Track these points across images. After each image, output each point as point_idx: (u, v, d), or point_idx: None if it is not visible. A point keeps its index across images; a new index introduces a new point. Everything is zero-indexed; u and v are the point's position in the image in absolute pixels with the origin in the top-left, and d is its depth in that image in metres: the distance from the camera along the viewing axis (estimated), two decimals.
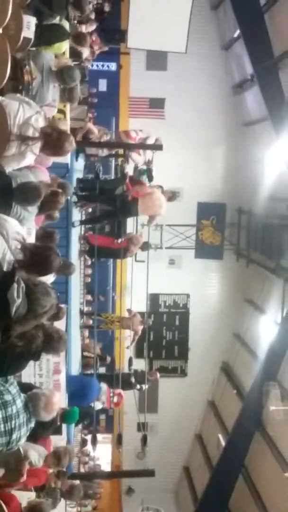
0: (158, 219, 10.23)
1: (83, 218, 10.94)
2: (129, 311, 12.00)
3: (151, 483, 14.99)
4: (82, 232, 11.08)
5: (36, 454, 5.15)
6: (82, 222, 10.35)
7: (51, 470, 5.77)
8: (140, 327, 11.60)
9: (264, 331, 14.98)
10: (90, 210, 11.53)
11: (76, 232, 10.06)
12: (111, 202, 9.95)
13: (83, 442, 12.56)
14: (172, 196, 9.85)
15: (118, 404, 10.81)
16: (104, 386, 9.97)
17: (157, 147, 9.90)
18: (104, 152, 10.63)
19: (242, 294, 17.16)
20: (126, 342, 13.21)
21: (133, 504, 16.29)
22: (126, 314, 12.11)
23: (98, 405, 11.39)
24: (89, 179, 11.07)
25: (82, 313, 11.59)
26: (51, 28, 5.67)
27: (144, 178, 10.50)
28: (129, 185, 10.11)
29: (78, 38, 7.78)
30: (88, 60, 10.17)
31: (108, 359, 13.21)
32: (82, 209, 10.53)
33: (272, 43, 13.01)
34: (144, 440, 11.77)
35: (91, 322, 12.14)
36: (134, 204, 9.36)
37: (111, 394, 10.45)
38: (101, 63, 15.58)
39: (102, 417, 15.08)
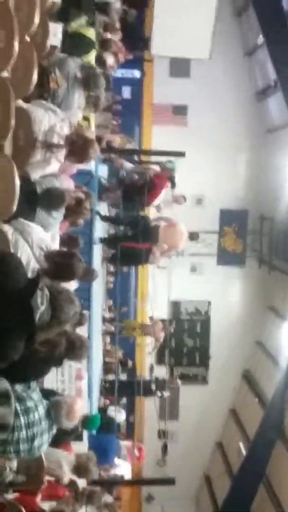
0: (173, 252, 10.33)
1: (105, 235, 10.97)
2: (151, 318, 12.00)
3: (172, 490, 14.88)
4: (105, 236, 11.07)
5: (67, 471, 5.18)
6: (102, 240, 10.37)
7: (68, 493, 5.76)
8: (162, 334, 11.60)
9: (287, 338, 14.84)
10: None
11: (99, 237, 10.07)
12: (133, 225, 10.03)
13: None
14: (193, 234, 9.93)
15: (140, 458, 10.78)
16: (124, 442, 9.97)
17: (179, 153, 9.90)
18: (127, 164, 10.61)
19: (264, 301, 17.03)
20: (147, 348, 13.18)
21: (153, 511, 16.23)
22: (148, 321, 12.11)
23: (120, 417, 11.42)
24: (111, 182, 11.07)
25: (104, 319, 11.60)
26: (78, 41, 5.71)
27: (171, 166, 10.48)
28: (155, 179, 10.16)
29: (105, 44, 7.81)
30: (112, 67, 10.21)
31: (130, 363, 13.18)
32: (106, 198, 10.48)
33: None
34: (164, 447, 11.74)
35: (112, 328, 12.16)
36: (155, 231, 9.44)
37: (131, 447, 10.46)
38: (125, 70, 15.63)
39: (123, 424, 15.05)
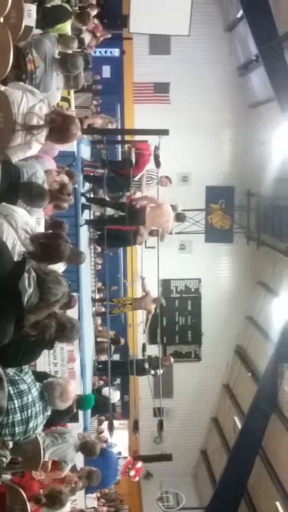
0: (167, 236, 10.28)
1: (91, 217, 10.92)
2: (142, 279, 11.86)
3: (169, 467, 15.11)
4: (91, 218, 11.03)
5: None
6: (88, 222, 10.32)
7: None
8: (153, 306, 11.56)
9: (277, 313, 14.96)
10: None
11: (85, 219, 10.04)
12: (119, 208, 9.99)
13: (100, 426, 12.66)
14: (180, 215, 9.87)
15: (135, 476, 10.80)
16: (121, 462, 10.00)
17: (163, 132, 9.83)
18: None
19: (253, 276, 17.12)
20: (140, 326, 13.19)
21: (152, 488, 16.42)
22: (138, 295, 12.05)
23: (115, 397, 11.48)
24: (97, 177, 11.03)
25: (94, 300, 11.60)
26: (53, 10, 5.63)
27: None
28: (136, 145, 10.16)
29: (82, 16, 7.69)
30: (91, 47, 10.12)
31: (122, 341, 13.20)
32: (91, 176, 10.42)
33: (276, 23, 12.84)
34: (160, 425, 11.81)
35: (103, 309, 12.16)
36: (142, 213, 9.40)
37: (129, 466, 10.48)
38: (104, 49, 15.46)
39: (118, 403, 15.15)
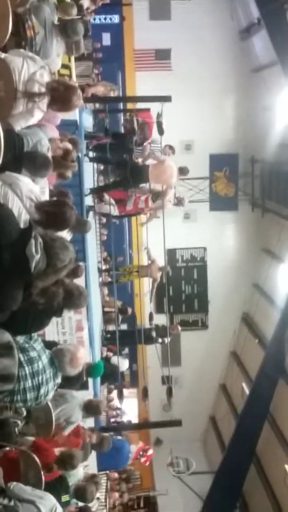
0: (171, 194, 10.17)
1: (95, 177, 10.90)
2: (146, 249, 11.85)
3: (179, 433, 15.27)
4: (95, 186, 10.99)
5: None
6: (92, 190, 10.27)
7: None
8: (159, 274, 11.56)
9: (283, 279, 14.97)
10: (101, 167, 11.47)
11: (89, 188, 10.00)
12: (122, 168, 9.90)
13: (109, 395, 12.81)
14: (183, 169, 9.77)
15: (145, 462, 11.14)
16: (133, 447, 10.26)
17: (165, 98, 9.71)
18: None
19: (259, 244, 17.10)
20: (147, 296, 13.22)
21: (162, 454, 16.68)
22: (144, 263, 12.05)
23: (123, 365, 11.57)
24: (100, 144, 10.97)
25: (100, 270, 11.61)
26: None
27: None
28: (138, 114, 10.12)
29: None
30: (90, 13, 9.93)
31: (129, 310, 13.28)
32: (92, 145, 10.38)
33: None
34: (169, 392, 11.92)
35: (109, 279, 12.19)
36: (145, 170, 9.33)
37: (141, 453, 10.76)
38: (103, 16, 15.21)
39: (127, 372, 15.30)
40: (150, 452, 11.25)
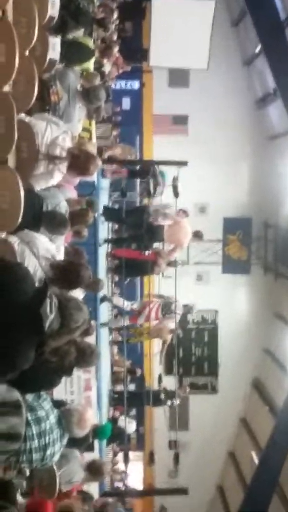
0: (179, 252, 10.33)
1: (110, 237, 11.06)
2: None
3: (184, 502, 14.80)
4: (109, 250, 11.15)
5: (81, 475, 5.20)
6: (107, 241, 10.43)
7: (75, 493, 5.75)
8: (169, 336, 11.53)
9: None
10: (116, 227, 11.64)
11: (103, 250, 10.14)
12: (138, 226, 10.08)
13: (115, 458, 12.53)
14: (198, 233, 9.95)
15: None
16: None
17: (181, 163, 9.96)
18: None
19: (271, 308, 17.00)
20: (156, 357, 13.13)
21: None
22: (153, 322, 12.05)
23: (131, 428, 11.39)
24: (114, 208, 11.24)
25: (110, 329, 11.60)
26: (77, 48, 5.78)
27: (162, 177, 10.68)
28: None
29: (105, 53, 7.91)
30: (111, 79, 10.32)
31: (139, 371, 13.14)
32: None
33: None
34: (176, 458, 11.66)
35: (120, 338, 12.14)
36: (160, 230, 9.49)
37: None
38: (124, 81, 15.76)
39: (133, 435, 14.99)
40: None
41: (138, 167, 11.46)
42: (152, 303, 11.02)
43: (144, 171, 10.79)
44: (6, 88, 3.93)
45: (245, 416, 17.32)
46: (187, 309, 10.76)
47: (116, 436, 10.47)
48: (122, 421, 10.84)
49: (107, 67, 9.20)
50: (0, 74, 3.78)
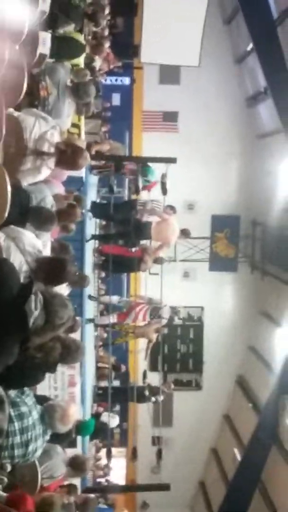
0: (165, 250, 10.35)
1: (97, 233, 11.05)
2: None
3: (167, 498, 14.86)
4: (96, 246, 11.14)
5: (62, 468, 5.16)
6: (94, 237, 10.41)
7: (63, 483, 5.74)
8: (155, 335, 11.55)
9: (280, 344, 14.88)
10: (104, 223, 11.63)
11: (90, 246, 10.13)
12: (125, 223, 10.09)
13: (98, 453, 12.54)
14: (185, 230, 9.97)
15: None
16: None
17: (170, 160, 9.95)
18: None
19: (257, 306, 17.08)
20: (141, 353, 13.16)
21: None
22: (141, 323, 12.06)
23: (113, 422, 11.39)
24: (102, 203, 11.22)
25: (96, 325, 11.60)
26: (68, 44, 5.75)
27: (149, 176, 10.68)
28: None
29: (96, 49, 7.88)
30: (102, 74, 10.28)
31: (123, 368, 13.15)
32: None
33: (285, 56, 13.05)
34: (159, 454, 11.69)
35: (105, 335, 12.13)
36: (148, 227, 9.49)
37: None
38: (115, 77, 15.72)
39: (116, 430, 15.02)
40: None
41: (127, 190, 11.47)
42: (140, 306, 11.03)
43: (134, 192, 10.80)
44: None
45: (228, 413, 17.41)
46: (174, 311, 10.80)
47: (99, 431, 10.46)
48: (105, 416, 10.85)
49: (98, 62, 9.16)
50: None
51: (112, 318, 11.02)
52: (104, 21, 8.24)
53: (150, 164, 10.69)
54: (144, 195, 11.45)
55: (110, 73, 13.22)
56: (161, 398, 11.74)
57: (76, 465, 5.50)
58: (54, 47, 5.00)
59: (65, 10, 5.74)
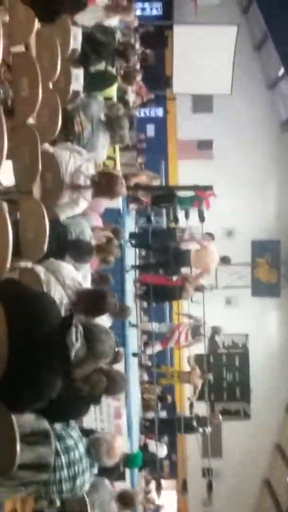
0: (206, 277, 10.33)
1: (137, 263, 11.10)
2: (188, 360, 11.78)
3: None
4: (136, 276, 11.16)
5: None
6: (134, 267, 10.45)
7: None
8: (200, 381, 11.47)
9: None
10: (144, 254, 11.67)
11: (130, 277, 10.16)
12: (164, 252, 10.12)
13: (147, 487, 12.34)
14: (225, 258, 9.99)
15: None
16: None
17: (207, 187, 9.99)
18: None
19: None
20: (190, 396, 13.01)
21: None
22: (187, 368, 12.02)
23: (161, 452, 11.26)
24: (141, 233, 11.30)
25: (140, 365, 11.57)
26: (100, 77, 5.88)
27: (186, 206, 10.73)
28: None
29: (128, 77, 8.02)
30: (135, 107, 10.44)
31: (169, 398, 13.02)
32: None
33: None
34: (209, 486, 11.47)
35: (149, 363, 12.07)
36: (187, 255, 9.50)
37: None
38: (148, 109, 15.94)
39: (166, 462, 14.79)
40: None
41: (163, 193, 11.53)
42: (181, 327, 10.97)
43: (168, 197, 10.85)
44: (31, 120, 4.01)
45: (279, 442, 16.97)
46: (215, 329, 10.69)
47: (148, 463, 10.34)
48: (153, 446, 10.72)
49: (131, 96, 9.31)
50: (23, 107, 3.86)
51: (157, 347, 10.98)
52: (135, 56, 8.40)
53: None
54: (182, 223, 11.49)
55: (143, 105, 13.40)
56: (209, 429, 11.55)
57: (125, 500, 5.43)
58: (86, 83, 5.10)
59: (95, 49, 5.87)
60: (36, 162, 3.76)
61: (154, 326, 11.45)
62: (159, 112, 16.48)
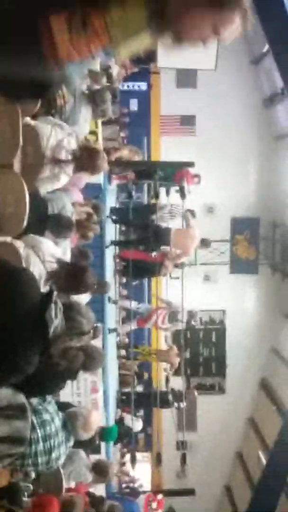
0: (184, 258, 10.37)
1: (117, 239, 11.08)
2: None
3: (192, 502, 14.81)
4: (117, 251, 11.16)
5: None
6: (114, 243, 10.43)
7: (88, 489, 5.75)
8: (177, 360, 11.57)
9: None
10: (123, 228, 11.64)
11: (110, 252, 10.15)
12: (145, 229, 10.10)
13: (122, 460, 12.52)
14: (205, 241, 9.98)
15: (157, 509, 10.96)
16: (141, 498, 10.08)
17: (188, 164, 9.95)
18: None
19: (279, 308, 16.96)
20: (166, 371, 13.15)
21: None
22: (164, 347, 12.13)
23: (137, 426, 11.40)
24: (122, 208, 11.25)
25: (118, 346, 11.63)
26: None
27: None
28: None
29: None
30: (118, 80, 10.31)
31: (146, 375, 13.16)
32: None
33: None
34: (183, 458, 11.66)
35: (127, 340, 12.14)
36: (167, 232, 9.48)
37: (150, 499, 10.57)
38: (132, 83, 15.75)
39: (141, 436, 14.99)
40: (160, 497, 10.93)
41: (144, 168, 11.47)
42: (159, 310, 11.05)
43: (151, 172, 10.80)
44: None
45: (252, 416, 17.29)
46: (191, 314, 10.82)
47: (123, 436, 10.47)
48: (129, 420, 10.85)
49: (115, 68, 9.19)
50: None
51: (133, 325, 11.04)
52: None
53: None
54: (163, 199, 11.46)
55: (127, 78, 13.23)
56: (184, 404, 11.71)
57: (99, 470, 5.51)
58: None
59: None
60: (17, 135, 3.71)
61: (133, 305, 11.50)
62: (143, 86, 16.30)
